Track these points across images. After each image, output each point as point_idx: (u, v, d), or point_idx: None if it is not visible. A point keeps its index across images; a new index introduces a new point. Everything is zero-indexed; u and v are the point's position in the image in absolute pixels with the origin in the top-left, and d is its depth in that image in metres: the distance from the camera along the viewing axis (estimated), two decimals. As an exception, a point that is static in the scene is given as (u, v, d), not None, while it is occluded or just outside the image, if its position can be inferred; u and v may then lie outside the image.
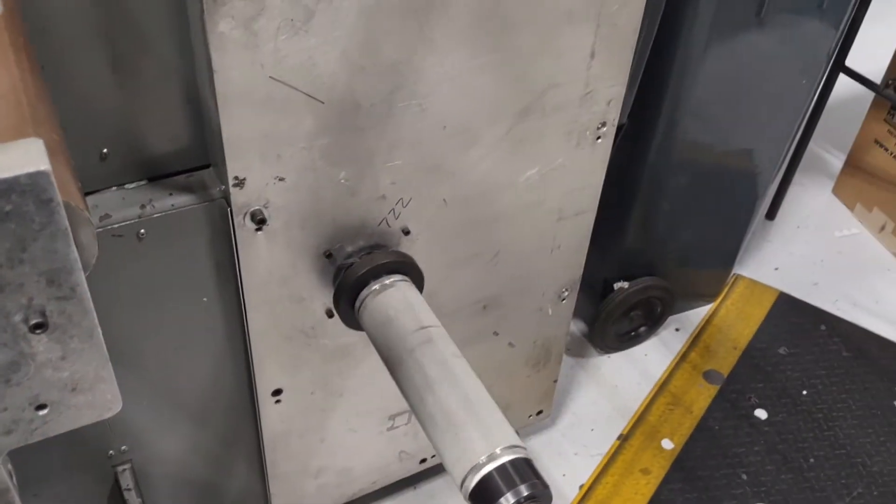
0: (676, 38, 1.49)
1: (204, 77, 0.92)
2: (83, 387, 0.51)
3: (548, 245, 1.38)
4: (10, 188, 0.42)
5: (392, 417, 1.45)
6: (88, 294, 0.48)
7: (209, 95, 0.92)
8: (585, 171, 1.30)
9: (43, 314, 0.47)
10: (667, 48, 1.50)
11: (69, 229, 0.45)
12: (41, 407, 0.51)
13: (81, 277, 0.47)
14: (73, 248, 0.45)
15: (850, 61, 2.06)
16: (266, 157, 0.98)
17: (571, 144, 1.24)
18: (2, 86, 0.54)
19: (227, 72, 0.88)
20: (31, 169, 0.42)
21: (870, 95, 2.29)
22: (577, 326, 2.02)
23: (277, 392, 1.25)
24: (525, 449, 0.90)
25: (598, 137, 1.26)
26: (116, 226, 0.96)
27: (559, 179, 1.28)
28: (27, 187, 0.42)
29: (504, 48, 1.06)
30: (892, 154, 2.27)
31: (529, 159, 1.22)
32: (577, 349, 1.99)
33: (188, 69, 0.95)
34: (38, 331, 0.47)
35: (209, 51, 0.86)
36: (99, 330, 0.50)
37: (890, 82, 2.10)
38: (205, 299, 1.10)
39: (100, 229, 0.96)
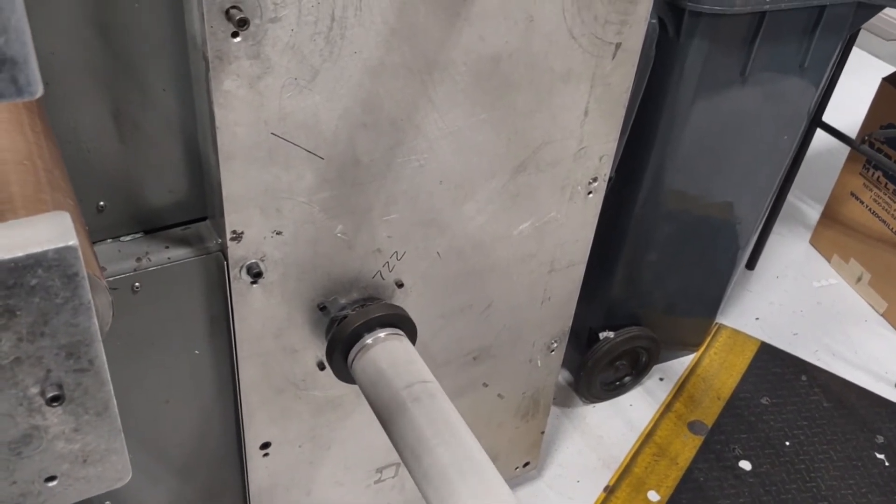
0: (664, 95, 1.52)
1: (206, 132, 0.92)
2: (94, 458, 0.50)
3: (539, 296, 1.38)
4: (38, 263, 0.41)
5: (379, 470, 1.43)
6: (106, 365, 0.47)
7: (210, 151, 0.92)
8: (577, 224, 1.31)
9: (60, 387, 0.46)
10: (654, 104, 1.53)
11: (92, 303, 0.44)
12: (51, 479, 0.50)
13: (100, 349, 0.47)
14: (95, 320, 0.45)
15: (825, 114, 2.11)
16: (265, 211, 0.97)
17: (564, 198, 1.26)
18: (18, 151, 0.53)
19: (231, 128, 0.88)
20: (60, 244, 0.41)
21: (845, 148, 2.34)
22: (562, 376, 2.02)
23: (266, 445, 1.23)
24: (523, 509, 0.89)
25: (590, 192, 1.28)
26: (112, 279, 0.95)
27: (552, 232, 1.29)
28: (54, 262, 0.41)
29: (502, 106, 1.07)
30: (867, 207, 2.32)
31: (523, 213, 1.23)
32: (562, 398, 1.99)
33: (188, 123, 0.95)
34: (54, 404, 0.46)
35: (213, 108, 0.86)
36: (114, 401, 0.49)
37: (866, 138, 2.16)
38: (197, 352, 1.09)
39: (94, 282, 0.94)
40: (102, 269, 0.94)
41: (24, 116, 0.59)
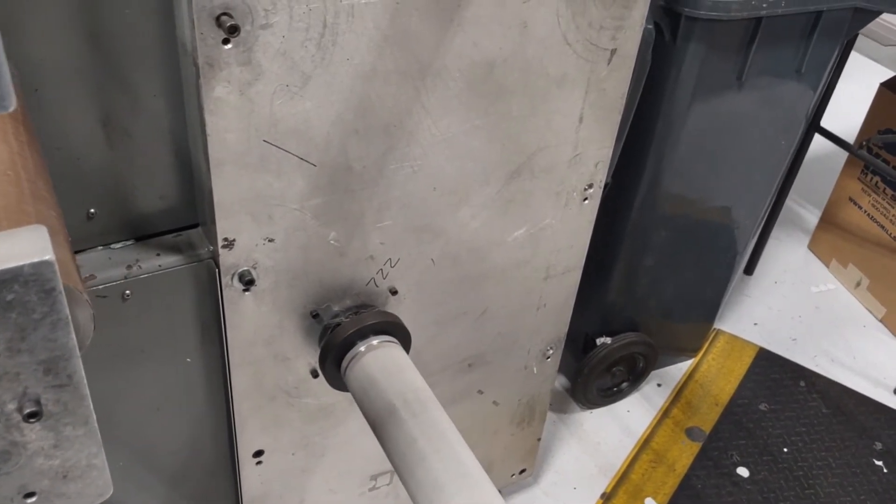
0: (660, 100, 1.51)
1: (196, 139, 0.91)
2: (74, 474, 0.49)
3: (534, 303, 1.37)
4: (14, 278, 0.40)
5: (374, 478, 1.42)
6: (85, 381, 0.47)
7: (201, 157, 0.91)
8: (572, 230, 1.30)
9: (38, 403, 0.45)
10: (651, 109, 1.52)
11: (70, 318, 0.43)
12: (30, 495, 0.49)
13: (79, 364, 0.46)
14: (73, 336, 0.44)
15: (823, 119, 2.10)
16: (257, 218, 0.97)
17: (559, 205, 1.25)
18: (2, 161, 0.53)
19: (221, 135, 0.88)
20: (36, 259, 0.40)
21: (843, 153, 2.33)
22: (558, 381, 2.01)
23: (258, 453, 1.23)
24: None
25: (586, 198, 1.27)
26: (102, 286, 0.94)
27: (547, 239, 1.28)
28: (31, 277, 0.41)
29: (496, 112, 1.06)
30: (865, 212, 2.32)
31: (518, 219, 1.22)
32: (558, 404, 1.98)
33: (179, 130, 0.94)
34: (31, 420, 0.45)
35: (203, 114, 0.85)
36: (94, 416, 0.48)
37: (864, 143, 2.15)
38: (188, 359, 1.08)
39: (84, 290, 0.93)
40: (91, 277, 0.93)
41: (9, 126, 0.58)
